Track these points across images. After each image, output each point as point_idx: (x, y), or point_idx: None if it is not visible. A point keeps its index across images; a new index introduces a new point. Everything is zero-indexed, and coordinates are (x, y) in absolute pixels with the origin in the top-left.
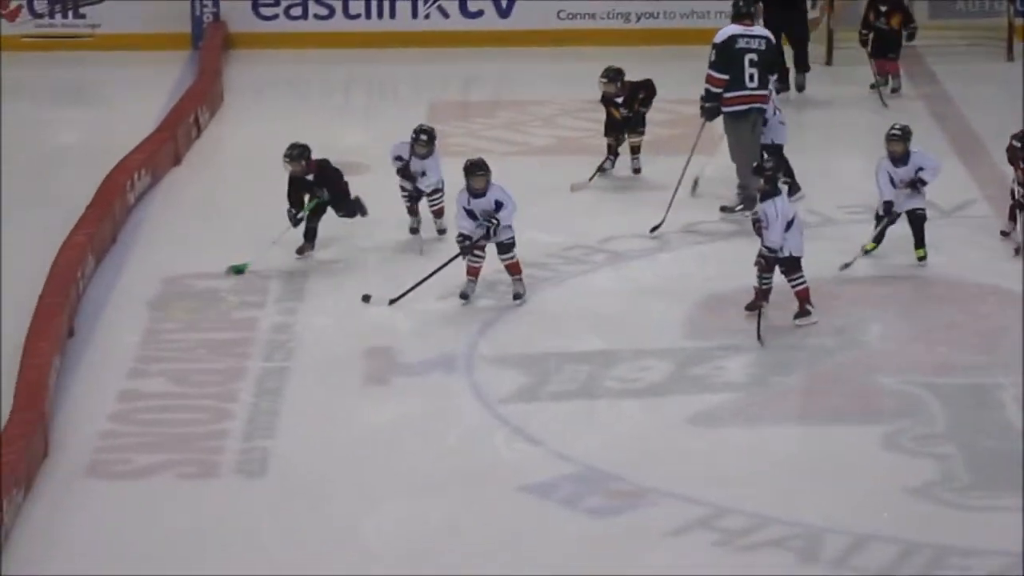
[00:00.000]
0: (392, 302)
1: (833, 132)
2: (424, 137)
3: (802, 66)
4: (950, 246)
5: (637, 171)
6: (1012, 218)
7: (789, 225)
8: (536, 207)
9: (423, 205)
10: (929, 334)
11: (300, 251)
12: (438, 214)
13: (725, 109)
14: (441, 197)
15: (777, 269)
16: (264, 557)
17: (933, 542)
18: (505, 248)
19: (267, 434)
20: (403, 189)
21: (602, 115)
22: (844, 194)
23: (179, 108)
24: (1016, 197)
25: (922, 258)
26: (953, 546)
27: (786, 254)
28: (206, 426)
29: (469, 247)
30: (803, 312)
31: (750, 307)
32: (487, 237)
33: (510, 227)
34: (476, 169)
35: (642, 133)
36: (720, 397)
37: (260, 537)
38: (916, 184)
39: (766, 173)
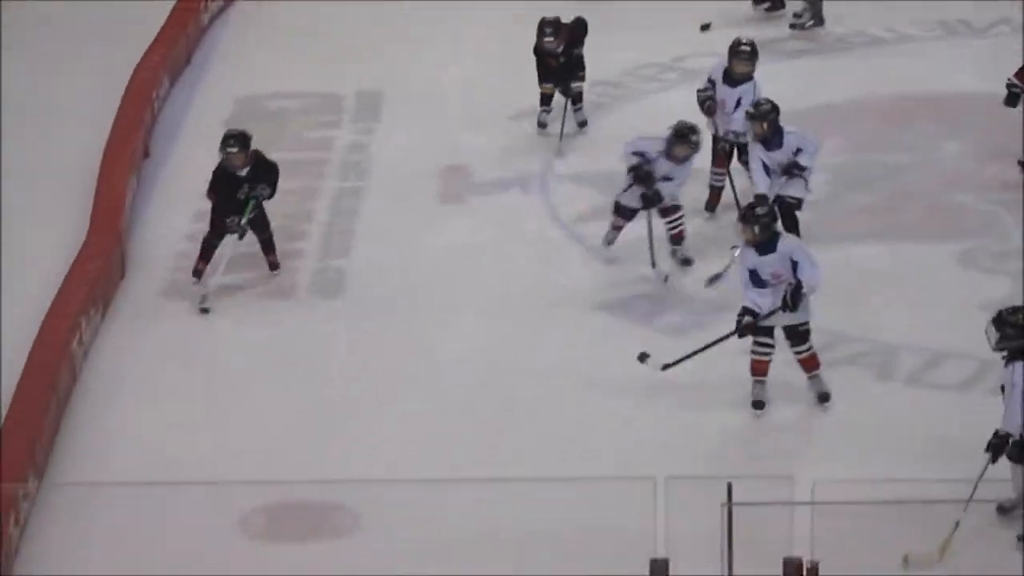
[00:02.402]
0: (666, 367)
1: None
2: (694, 138)
3: None
4: None
5: (583, 124)
6: None
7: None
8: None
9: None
10: (1007, 153)
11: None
12: (678, 239)
13: None
14: (682, 218)
15: None
16: (339, 371)
17: None
18: (798, 336)
19: (342, 254)
20: (618, 206)
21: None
22: None
23: None
24: None
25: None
26: None
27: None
28: (281, 246)
29: (751, 324)
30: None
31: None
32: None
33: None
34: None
35: (583, 77)
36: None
37: (336, 353)
38: (792, 169)
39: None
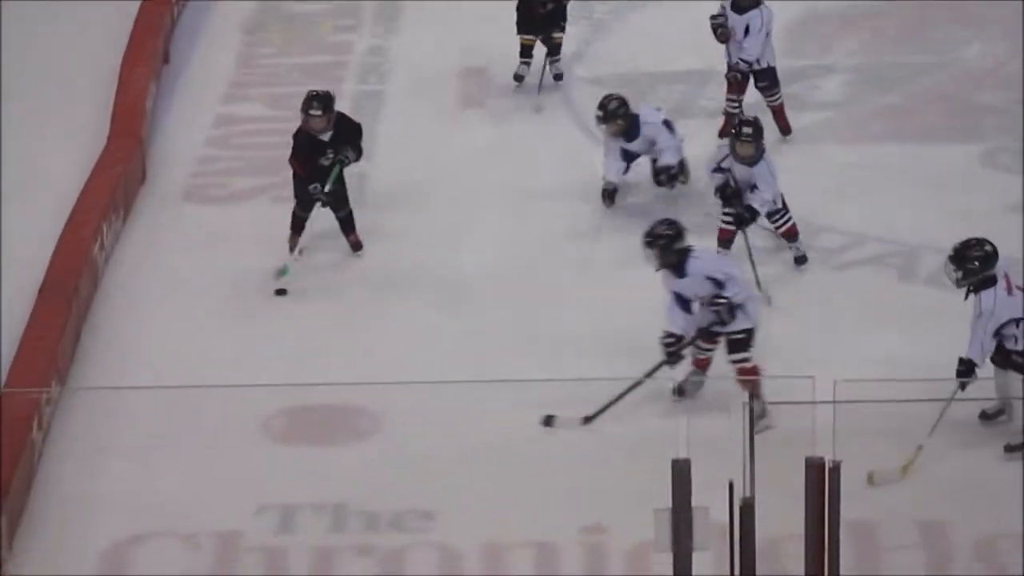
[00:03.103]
0: (588, 421)
1: None
2: (748, 132)
3: None
4: None
5: (559, 77)
6: None
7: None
8: None
9: None
10: None
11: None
12: (791, 235)
13: None
14: (787, 216)
15: None
16: (360, 275)
17: None
18: (735, 345)
19: (363, 157)
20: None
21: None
22: None
23: None
24: None
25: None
26: None
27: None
28: None
29: (678, 349)
30: None
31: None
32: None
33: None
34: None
35: (564, 28)
36: (817, 115)
37: (357, 257)
38: (660, 176)
39: None
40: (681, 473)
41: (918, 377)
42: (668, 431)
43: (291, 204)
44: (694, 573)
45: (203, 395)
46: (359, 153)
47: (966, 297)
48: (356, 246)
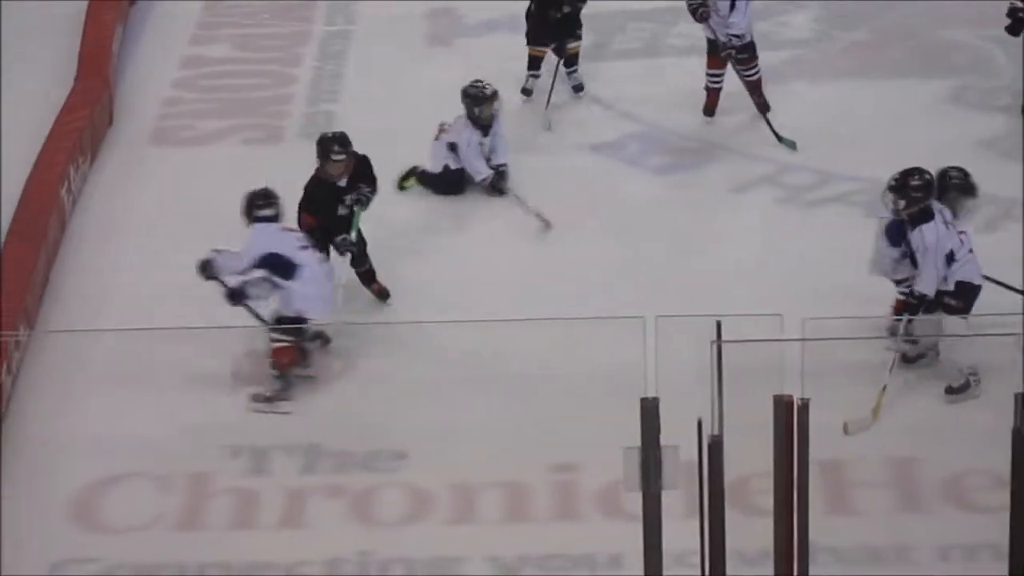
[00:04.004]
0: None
1: None
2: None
3: None
4: None
5: (579, 88)
6: None
7: None
8: None
9: None
10: None
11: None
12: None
13: None
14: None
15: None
16: None
17: (1000, 195)
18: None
19: (331, 97)
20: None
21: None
22: None
23: None
24: None
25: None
26: (1020, 198)
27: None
28: (270, 91)
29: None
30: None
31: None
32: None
33: None
34: None
35: (580, 36)
36: (784, 54)
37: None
38: (499, 185)
39: None
40: (650, 412)
41: (885, 315)
42: (637, 370)
43: (257, 144)
44: (663, 511)
45: (173, 337)
46: (374, 186)
47: (912, 231)
48: (382, 295)
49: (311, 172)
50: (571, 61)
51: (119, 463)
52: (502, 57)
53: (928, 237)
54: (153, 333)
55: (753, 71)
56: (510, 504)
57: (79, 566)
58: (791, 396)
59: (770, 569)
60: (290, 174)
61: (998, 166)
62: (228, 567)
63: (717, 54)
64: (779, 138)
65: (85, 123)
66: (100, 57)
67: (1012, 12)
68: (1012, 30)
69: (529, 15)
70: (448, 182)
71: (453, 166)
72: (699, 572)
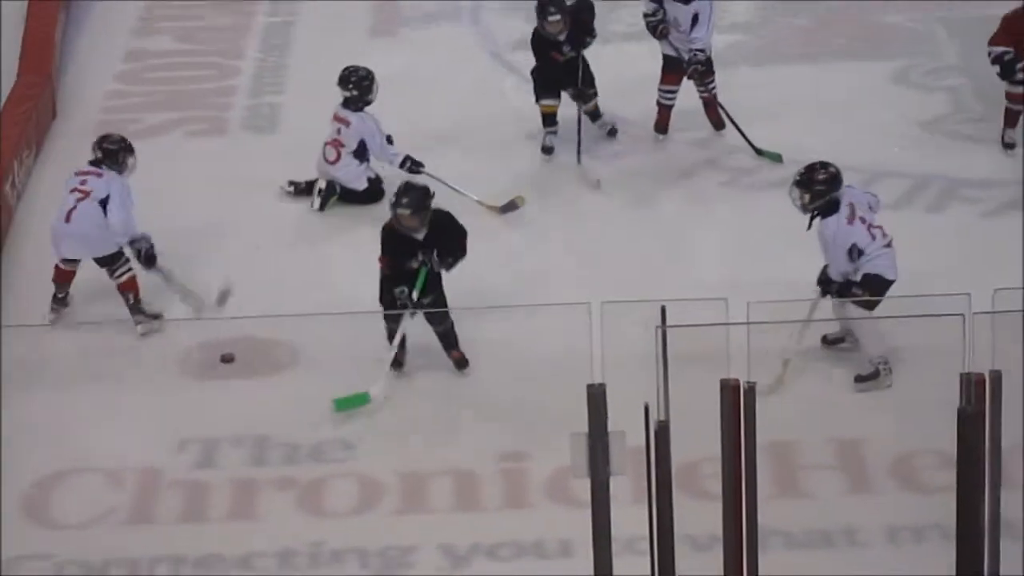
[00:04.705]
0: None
1: None
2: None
3: None
4: None
5: (613, 132)
6: None
7: None
8: None
9: None
10: None
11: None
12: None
13: None
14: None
15: None
16: (274, 207)
17: (945, 175)
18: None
19: (275, 89)
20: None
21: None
22: None
23: None
24: None
25: None
26: (964, 178)
27: None
28: (214, 83)
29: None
30: None
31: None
32: None
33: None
34: None
35: (595, 93)
36: (728, 38)
37: (273, 188)
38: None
39: None
40: (596, 398)
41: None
42: (583, 356)
43: (202, 136)
44: (612, 497)
45: (121, 329)
46: (455, 259)
47: (809, 226)
48: (460, 363)
49: (254, 163)
50: (595, 115)
51: (69, 458)
52: (446, 47)
53: (826, 230)
54: (100, 326)
55: (711, 85)
56: (460, 492)
57: (31, 563)
58: (737, 380)
59: (719, 553)
60: (237, 167)
61: (942, 146)
62: (180, 560)
63: (674, 71)
64: (759, 152)
65: (29, 117)
66: (43, 51)
67: (998, 58)
68: (1003, 75)
69: (534, 71)
70: (372, 192)
71: (372, 175)
72: (648, 557)
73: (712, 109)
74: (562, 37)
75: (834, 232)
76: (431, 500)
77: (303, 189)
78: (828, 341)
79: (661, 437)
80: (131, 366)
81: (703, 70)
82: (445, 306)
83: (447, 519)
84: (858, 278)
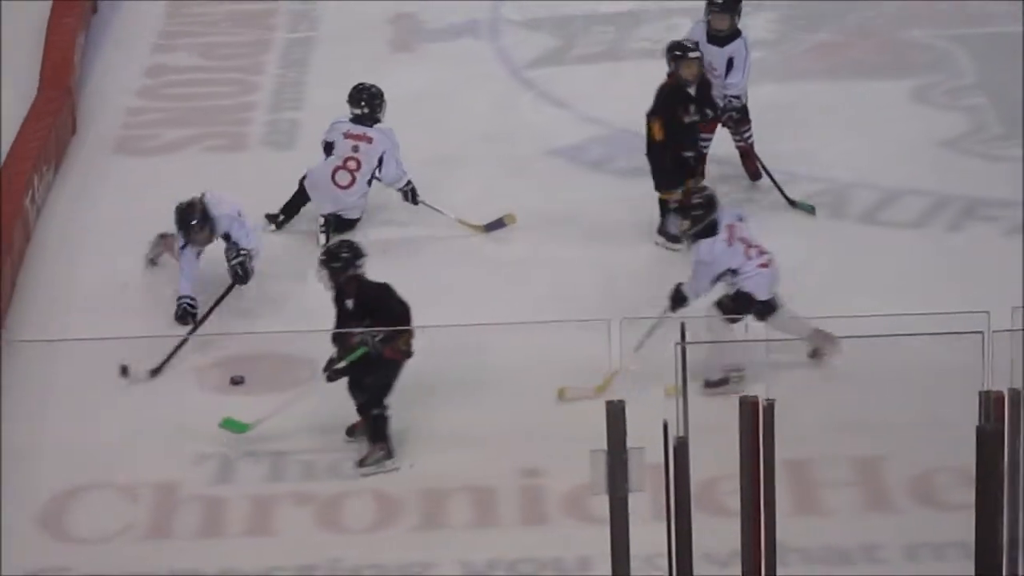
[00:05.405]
0: (155, 373)
1: None
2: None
3: None
4: None
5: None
6: None
7: None
8: None
9: None
10: None
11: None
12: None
13: None
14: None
15: None
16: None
17: (964, 194)
18: None
19: (294, 105)
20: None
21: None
22: None
23: None
24: None
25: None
26: (984, 197)
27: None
28: (233, 99)
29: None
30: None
31: None
32: None
33: None
34: None
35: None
36: None
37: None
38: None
39: None
40: (615, 415)
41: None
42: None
43: (221, 151)
44: (631, 514)
45: (139, 345)
46: (387, 340)
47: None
48: (351, 431)
49: (277, 180)
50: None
51: (85, 473)
52: (465, 61)
53: (702, 251)
54: (119, 342)
55: (747, 133)
56: (479, 509)
57: None
58: (756, 397)
59: (738, 570)
60: (255, 182)
61: (961, 164)
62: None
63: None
64: (793, 203)
65: (49, 132)
66: (62, 67)
67: None
68: None
69: (656, 152)
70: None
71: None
72: (667, 574)
73: (749, 159)
74: (693, 89)
75: (711, 253)
76: (450, 516)
77: (282, 221)
78: (712, 384)
79: (680, 454)
80: (149, 380)
81: (738, 118)
82: (378, 395)
83: (466, 535)
84: (731, 292)
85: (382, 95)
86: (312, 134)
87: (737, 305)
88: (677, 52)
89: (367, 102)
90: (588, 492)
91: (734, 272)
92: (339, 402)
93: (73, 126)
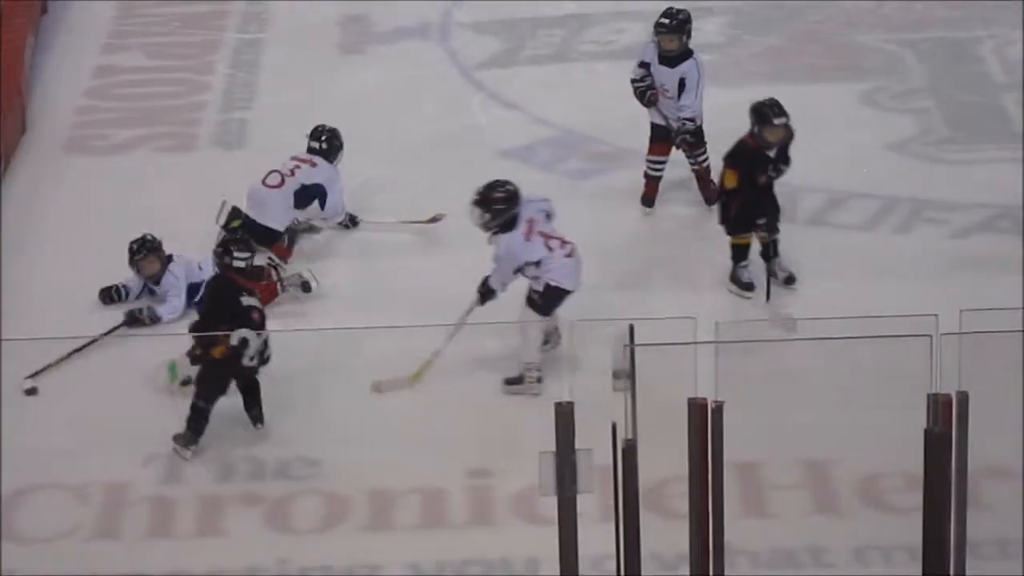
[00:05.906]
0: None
1: None
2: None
3: None
4: None
5: (792, 279)
6: None
7: None
8: None
9: None
10: None
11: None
12: (705, 176)
13: None
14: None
15: None
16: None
17: (912, 196)
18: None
19: (244, 105)
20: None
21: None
22: None
23: None
24: None
25: None
26: (932, 200)
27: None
28: (183, 99)
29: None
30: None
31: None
32: None
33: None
34: None
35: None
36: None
37: (241, 203)
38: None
39: None
40: (564, 417)
41: (801, 316)
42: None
43: (170, 152)
44: (579, 515)
45: (99, 348)
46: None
47: (490, 241)
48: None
49: (227, 180)
50: (775, 247)
51: (34, 473)
52: (415, 63)
53: (501, 246)
54: (66, 342)
55: (702, 157)
56: (428, 509)
57: None
58: (705, 399)
59: (686, 572)
60: (204, 182)
61: (910, 168)
62: None
63: (662, 140)
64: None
65: None
66: (13, 66)
67: None
68: None
69: (731, 194)
70: (275, 237)
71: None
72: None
73: (704, 183)
74: (773, 151)
75: (509, 248)
76: (398, 517)
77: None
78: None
79: (628, 456)
80: (98, 380)
81: (692, 141)
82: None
83: (414, 536)
84: (540, 287)
85: (342, 143)
86: (262, 134)
87: (546, 298)
88: (762, 116)
89: (327, 140)
90: (536, 493)
91: (537, 264)
92: (286, 403)
93: (23, 125)
